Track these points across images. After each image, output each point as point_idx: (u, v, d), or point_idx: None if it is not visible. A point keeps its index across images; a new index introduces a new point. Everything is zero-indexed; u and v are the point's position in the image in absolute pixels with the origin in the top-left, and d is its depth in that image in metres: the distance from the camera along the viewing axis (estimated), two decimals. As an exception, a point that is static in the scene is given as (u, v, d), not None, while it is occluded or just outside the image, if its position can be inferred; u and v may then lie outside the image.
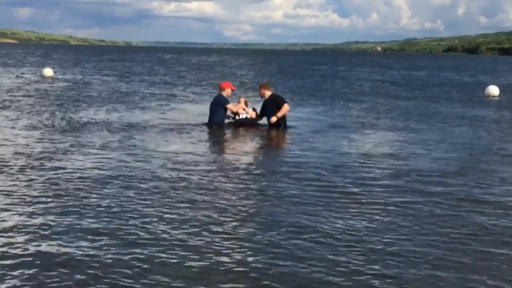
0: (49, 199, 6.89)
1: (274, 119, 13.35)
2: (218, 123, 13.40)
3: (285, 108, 13.42)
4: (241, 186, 7.93)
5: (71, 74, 35.04)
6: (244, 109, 13.63)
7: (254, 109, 13.91)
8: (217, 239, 5.70)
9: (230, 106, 13.43)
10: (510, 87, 32.98)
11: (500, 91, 25.64)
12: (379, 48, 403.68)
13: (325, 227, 6.15)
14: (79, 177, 8.00)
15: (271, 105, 13.48)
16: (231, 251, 5.41)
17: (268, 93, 13.69)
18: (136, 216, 6.37)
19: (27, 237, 5.59)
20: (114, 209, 6.57)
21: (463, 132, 13.78)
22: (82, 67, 44.75)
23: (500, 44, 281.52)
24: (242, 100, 13.84)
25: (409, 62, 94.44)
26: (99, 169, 8.64)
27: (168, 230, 5.91)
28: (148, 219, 6.26)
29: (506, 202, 7.32)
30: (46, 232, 5.74)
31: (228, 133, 13.06)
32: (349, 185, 8.04)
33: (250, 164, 9.52)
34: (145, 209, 6.61)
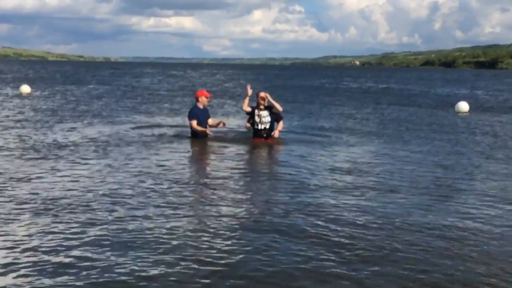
0: (24, 217, 7.01)
1: (277, 133, 13.67)
2: (193, 134, 13.53)
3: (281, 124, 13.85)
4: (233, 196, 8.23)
5: (49, 90, 35.05)
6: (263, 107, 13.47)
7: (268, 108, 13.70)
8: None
9: (193, 123, 13.27)
10: (481, 101, 33.73)
11: (470, 107, 26.27)
12: (357, 62, 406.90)
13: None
14: (53, 197, 8.06)
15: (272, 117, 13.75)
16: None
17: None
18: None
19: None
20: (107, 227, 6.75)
21: (424, 147, 14.22)
22: (59, 83, 44.75)
23: (476, 58, 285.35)
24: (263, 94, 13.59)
25: (386, 75, 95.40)
26: (80, 186, 8.86)
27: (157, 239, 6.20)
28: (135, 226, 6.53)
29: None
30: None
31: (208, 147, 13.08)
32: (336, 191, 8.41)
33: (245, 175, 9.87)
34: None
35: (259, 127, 13.52)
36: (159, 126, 16.96)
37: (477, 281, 5.46)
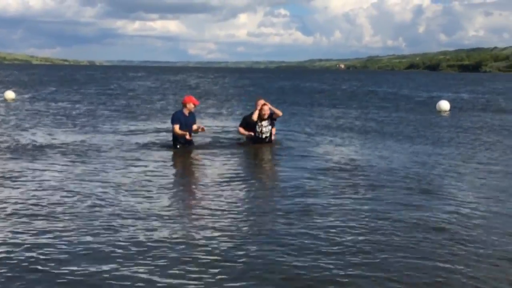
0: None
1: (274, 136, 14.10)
2: (174, 138, 13.30)
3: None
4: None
5: (33, 96, 34.85)
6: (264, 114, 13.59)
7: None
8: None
9: (175, 127, 13.00)
10: (461, 101, 34.14)
11: (451, 106, 26.66)
12: (342, 66, 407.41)
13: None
14: (34, 204, 7.99)
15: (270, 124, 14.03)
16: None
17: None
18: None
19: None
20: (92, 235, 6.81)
21: (405, 147, 14.49)
22: (44, 88, 44.62)
23: (460, 61, 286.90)
24: (261, 102, 13.73)
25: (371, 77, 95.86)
26: (64, 191, 9.00)
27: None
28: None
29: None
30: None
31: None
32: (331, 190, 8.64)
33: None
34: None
35: (261, 137, 13.79)
36: (145, 132, 16.80)
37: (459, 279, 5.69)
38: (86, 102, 28.70)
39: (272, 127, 13.97)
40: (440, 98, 34.01)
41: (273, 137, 14.06)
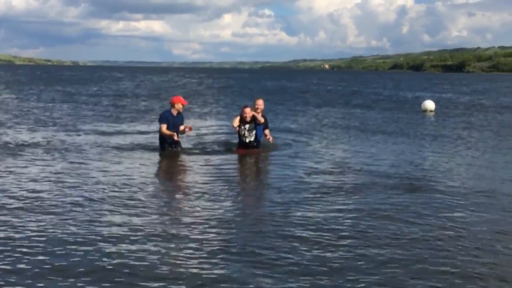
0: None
1: (271, 138, 13.61)
2: (160, 138, 13.09)
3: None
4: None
5: (15, 95, 34.65)
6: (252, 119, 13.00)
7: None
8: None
9: (163, 126, 12.77)
10: (445, 101, 34.45)
11: (435, 106, 26.90)
12: (326, 66, 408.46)
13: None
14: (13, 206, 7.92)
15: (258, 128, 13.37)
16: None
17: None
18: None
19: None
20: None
21: (394, 146, 14.62)
22: (26, 88, 44.36)
23: (443, 61, 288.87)
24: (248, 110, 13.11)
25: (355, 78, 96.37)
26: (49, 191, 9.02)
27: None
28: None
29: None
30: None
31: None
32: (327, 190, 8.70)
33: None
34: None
35: (246, 140, 13.17)
36: (129, 133, 16.69)
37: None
38: (68, 103, 28.57)
39: (263, 129, 13.42)
40: (425, 98, 34.31)
41: (270, 138, 13.60)
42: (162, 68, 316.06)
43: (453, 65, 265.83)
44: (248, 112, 13.02)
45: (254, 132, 13.13)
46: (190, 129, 13.22)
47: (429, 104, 26.64)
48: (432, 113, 25.44)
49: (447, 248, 6.25)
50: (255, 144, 13.18)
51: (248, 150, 13.14)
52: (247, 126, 13.14)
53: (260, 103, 13.40)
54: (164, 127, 12.78)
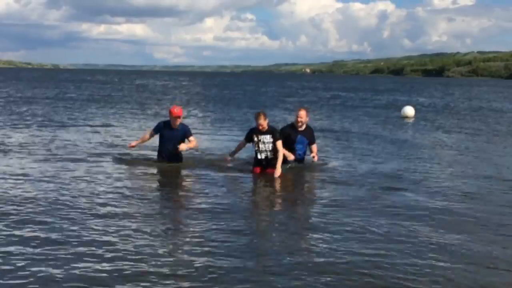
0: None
1: (316, 157, 11.32)
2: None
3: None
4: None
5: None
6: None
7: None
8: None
9: (145, 133, 11.76)
10: (425, 105, 34.85)
11: (415, 111, 27.21)
12: (308, 70, 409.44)
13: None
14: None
15: (307, 137, 11.30)
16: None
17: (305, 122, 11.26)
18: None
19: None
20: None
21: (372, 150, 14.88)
22: (6, 90, 43.99)
23: (423, 66, 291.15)
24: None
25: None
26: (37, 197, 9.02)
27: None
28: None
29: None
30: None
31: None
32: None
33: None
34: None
35: (258, 157, 10.67)
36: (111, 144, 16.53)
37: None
38: (54, 105, 28.30)
39: (310, 144, 11.28)
40: (405, 102, 34.65)
41: (315, 158, 11.22)
42: (144, 71, 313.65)
43: (433, 69, 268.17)
44: (263, 121, 10.52)
45: (270, 146, 10.53)
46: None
47: (409, 110, 26.90)
48: (412, 119, 25.68)
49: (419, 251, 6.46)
50: (268, 161, 10.58)
51: (266, 170, 10.59)
52: (262, 137, 10.61)
53: (303, 115, 11.13)
54: (145, 135, 11.71)
